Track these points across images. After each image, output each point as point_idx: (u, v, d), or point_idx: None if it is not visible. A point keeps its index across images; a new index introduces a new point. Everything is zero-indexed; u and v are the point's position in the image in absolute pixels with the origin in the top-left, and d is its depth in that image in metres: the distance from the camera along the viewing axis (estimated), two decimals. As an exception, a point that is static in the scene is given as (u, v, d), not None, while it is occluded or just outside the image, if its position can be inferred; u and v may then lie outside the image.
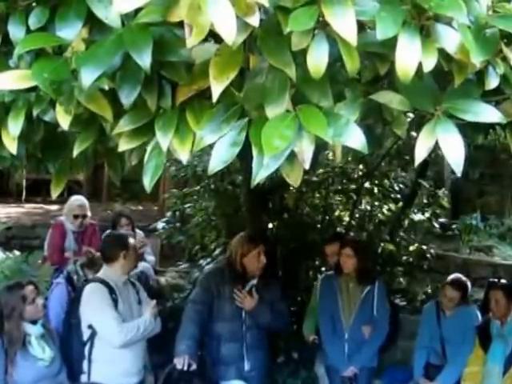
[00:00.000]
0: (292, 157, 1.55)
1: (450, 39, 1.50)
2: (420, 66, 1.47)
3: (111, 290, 3.44)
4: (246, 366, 3.76)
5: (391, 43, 1.45)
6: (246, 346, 3.75)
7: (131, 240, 3.67)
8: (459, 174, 1.54)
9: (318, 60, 1.47)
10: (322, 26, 1.47)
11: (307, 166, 1.54)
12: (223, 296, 3.72)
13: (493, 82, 1.63)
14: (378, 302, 4.08)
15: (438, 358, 4.20)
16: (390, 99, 1.67)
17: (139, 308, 3.57)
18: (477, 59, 1.48)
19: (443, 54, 1.52)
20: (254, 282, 3.76)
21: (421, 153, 1.58)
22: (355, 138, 1.55)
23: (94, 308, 3.43)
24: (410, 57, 1.44)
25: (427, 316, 4.30)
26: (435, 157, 5.11)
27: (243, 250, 3.72)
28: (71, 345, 3.47)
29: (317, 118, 1.52)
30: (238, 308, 3.72)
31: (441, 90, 1.69)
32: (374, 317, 4.08)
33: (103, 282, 3.47)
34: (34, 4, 1.73)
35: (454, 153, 1.56)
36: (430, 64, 1.47)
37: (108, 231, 5.25)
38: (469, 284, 4.26)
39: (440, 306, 4.21)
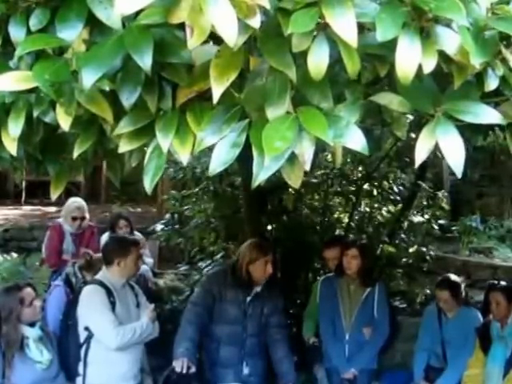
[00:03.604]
0: (292, 158, 1.56)
1: (450, 41, 1.51)
2: (420, 67, 1.48)
3: (109, 293, 3.42)
4: (245, 370, 3.74)
5: (391, 45, 1.45)
6: (245, 351, 3.73)
7: (135, 246, 3.62)
8: (459, 176, 1.55)
9: (318, 61, 1.48)
10: (323, 27, 1.47)
11: (308, 168, 1.54)
12: (225, 299, 3.70)
13: (492, 84, 1.63)
14: (379, 304, 4.08)
15: (439, 360, 4.19)
16: (389, 100, 1.67)
17: (137, 311, 3.55)
18: (476, 61, 1.49)
19: (443, 55, 1.53)
20: (258, 289, 3.74)
21: (421, 154, 1.58)
22: (356, 140, 1.56)
23: (91, 309, 3.42)
24: (410, 58, 1.45)
25: (428, 318, 4.29)
26: (434, 158, 5.12)
27: (250, 257, 3.66)
28: (68, 347, 3.46)
29: (317, 119, 1.52)
30: (239, 312, 3.71)
31: (440, 92, 1.69)
32: (374, 318, 4.09)
33: (101, 284, 3.46)
34: (34, 5, 1.73)
35: (454, 154, 1.56)
36: (429, 65, 1.48)
37: (107, 233, 5.27)
38: (460, 282, 4.24)
39: (441, 308, 4.20)
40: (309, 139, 1.52)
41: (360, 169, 5.88)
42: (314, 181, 5.63)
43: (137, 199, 10.41)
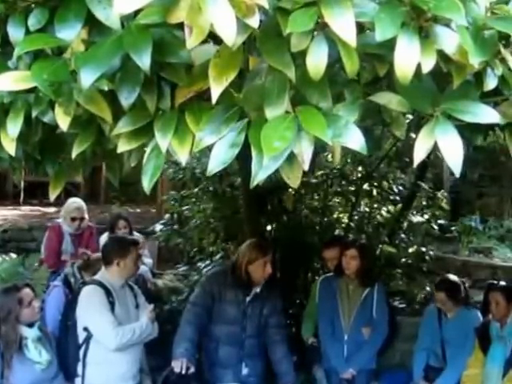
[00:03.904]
0: (291, 158, 1.55)
1: (449, 40, 1.51)
2: (419, 67, 1.47)
3: (108, 293, 3.41)
4: (244, 371, 3.74)
5: (390, 44, 1.45)
6: (244, 352, 3.73)
7: (135, 245, 3.61)
8: (458, 175, 1.55)
9: (317, 61, 1.48)
10: (322, 27, 1.47)
11: (306, 167, 1.54)
12: (224, 299, 3.70)
13: (491, 83, 1.63)
14: (378, 304, 4.08)
15: (438, 360, 4.18)
16: (388, 100, 1.67)
17: (136, 312, 3.54)
18: (475, 60, 1.49)
19: (442, 55, 1.53)
20: (258, 289, 3.74)
21: (419, 154, 1.58)
22: (354, 139, 1.55)
23: (90, 310, 3.40)
24: (409, 58, 1.44)
25: (429, 318, 4.28)
26: (434, 158, 5.11)
27: (250, 257, 3.65)
28: (67, 347, 3.45)
29: (316, 119, 1.52)
30: (238, 312, 3.71)
31: (440, 91, 1.69)
32: (373, 319, 4.08)
33: (100, 284, 3.45)
34: (33, 5, 1.73)
35: (453, 154, 1.56)
36: (428, 65, 1.48)
37: (106, 233, 5.27)
38: (460, 283, 4.22)
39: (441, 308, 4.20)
40: (308, 139, 1.52)
41: (360, 169, 5.87)
42: (314, 181, 5.63)
43: (136, 200, 10.42)
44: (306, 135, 1.52)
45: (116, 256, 3.49)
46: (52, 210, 9.61)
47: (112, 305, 3.40)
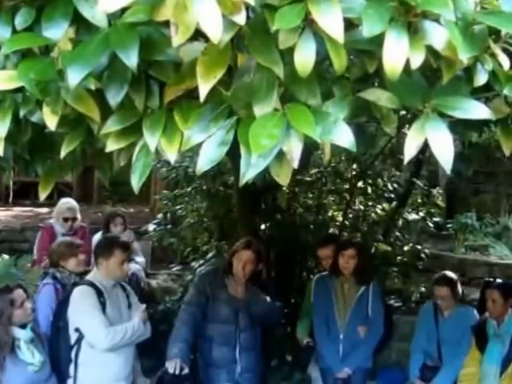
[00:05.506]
0: (280, 156, 1.54)
1: (438, 36, 1.50)
2: (408, 63, 1.46)
3: (99, 293, 3.39)
4: (238, 370, 3.74)
5: (379, 40, 1.44)
6: (239, 348, 3.72)
7: (121, 249, 3.52)
8: (448, 171, 1.54)
9: (305, 58, 1.46)
10: (309, 23, 1.46)
11: (296, 165, 1.53)
12: (217, 298, 3.70)
13: (481, 79, 1.62)
14: (373, 303, 4.07)
15: (434, 359, 4.17)
16: (378, 96, 1.66)
17: (129, 312, 3.52)
18: (464, 56, 1.47)
19: (431, 50, 1.52)
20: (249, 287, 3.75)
21: (410, 150, 1.57)
22: (343, 136, 1.54)
23: (81, 311, 3.38)
24: (398, 54, 1.43)
25: (425, 317, 4.27)
26: (429, 155, 5.11)
27: (236, 248, 3.74)
28: (59, 348, 3.42)
29: (305, 116, 1.51)
30: (231, 311, 3.70)
31: (430, 87, 1.68)
32: (368, 317, 4.07)
33: (92, 284, 3.42)
34: (20, 4, 1.72)
35: (444, 150, 1.55)
36: (417, 61, 1.46)
37: (99, 233, 5.25)
38: (456, 279, 4.22)
39: (438, 306, 4.18)
40: (297, 136, 1.51)
41: (354, 166, 5.87)
42: (308, 179, 5.63)
43: (129, 199, 10.37)
44: (294, 133, 1.51)
45: (100, 256, 3.47)
46: (44, 210, 9.56)
47: (103, 305, 3.37)
